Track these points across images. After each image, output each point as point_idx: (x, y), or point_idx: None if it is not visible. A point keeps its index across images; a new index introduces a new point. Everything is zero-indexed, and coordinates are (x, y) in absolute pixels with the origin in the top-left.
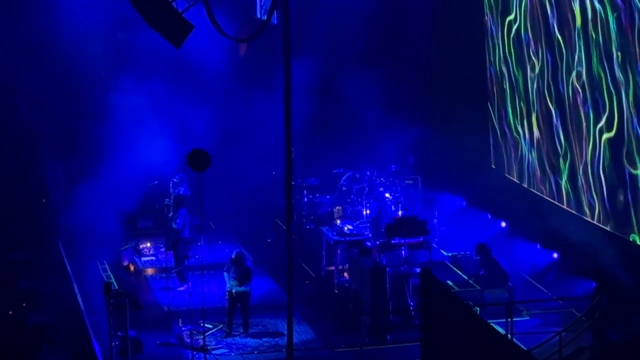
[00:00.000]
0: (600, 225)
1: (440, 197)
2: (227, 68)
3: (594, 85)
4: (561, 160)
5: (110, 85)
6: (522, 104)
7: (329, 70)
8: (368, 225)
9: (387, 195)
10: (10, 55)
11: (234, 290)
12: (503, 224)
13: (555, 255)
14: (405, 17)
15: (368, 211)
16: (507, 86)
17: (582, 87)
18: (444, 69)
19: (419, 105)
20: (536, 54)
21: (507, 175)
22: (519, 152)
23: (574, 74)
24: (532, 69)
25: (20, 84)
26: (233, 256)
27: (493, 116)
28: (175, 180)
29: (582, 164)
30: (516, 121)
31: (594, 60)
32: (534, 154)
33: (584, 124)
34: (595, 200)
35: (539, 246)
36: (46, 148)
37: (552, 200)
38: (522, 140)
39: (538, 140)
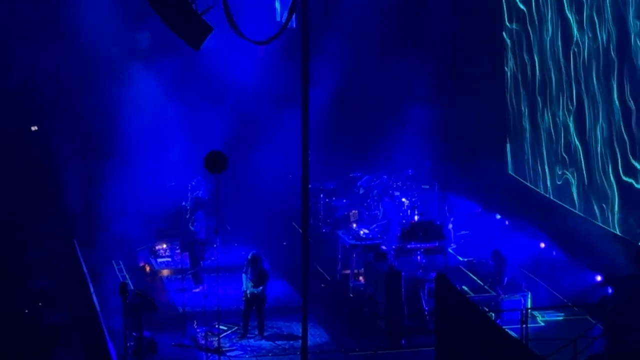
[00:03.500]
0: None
1: (456, 202)
2: (244, 69)
3: None
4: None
5: (129, 86)
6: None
7: (347, 72)
8: (378, 229)
9: (403, 200)
10: (30, 55)
11: (249, 292)
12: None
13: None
14: (422, 19)
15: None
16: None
17: None
18: (464, 68)
19: (438, 106)
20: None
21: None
22: (535, 157)
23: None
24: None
25: (39, 84)
26: (249, 257)
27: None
28: (193, 183)
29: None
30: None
31: None
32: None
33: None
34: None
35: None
36: (64, 147)
37: (568, 207)
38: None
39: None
